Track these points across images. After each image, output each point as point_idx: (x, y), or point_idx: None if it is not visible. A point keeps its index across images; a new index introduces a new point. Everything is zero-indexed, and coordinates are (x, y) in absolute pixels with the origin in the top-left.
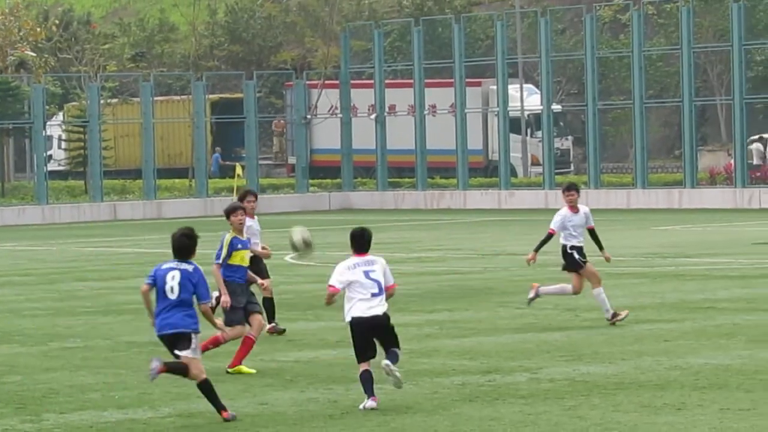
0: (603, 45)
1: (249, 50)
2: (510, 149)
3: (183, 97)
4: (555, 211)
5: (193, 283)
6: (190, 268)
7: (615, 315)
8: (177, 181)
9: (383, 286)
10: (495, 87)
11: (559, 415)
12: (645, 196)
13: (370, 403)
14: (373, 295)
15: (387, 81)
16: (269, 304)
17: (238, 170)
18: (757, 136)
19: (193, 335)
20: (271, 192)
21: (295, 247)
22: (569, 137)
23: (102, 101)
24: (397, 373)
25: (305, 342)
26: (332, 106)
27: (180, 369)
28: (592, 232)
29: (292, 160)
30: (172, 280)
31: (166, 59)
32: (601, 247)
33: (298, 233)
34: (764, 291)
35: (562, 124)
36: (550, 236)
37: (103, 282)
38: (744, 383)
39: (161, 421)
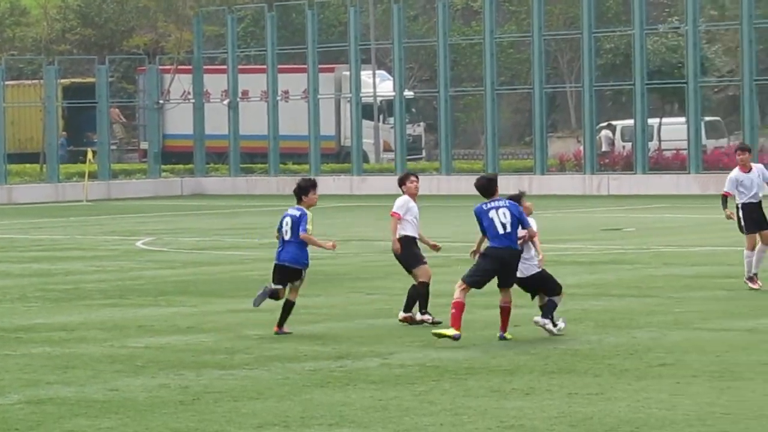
0: (455, 32)
1: (101, 34)
2: (362, 135)
3: (34, 81)
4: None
5: (297, 224)
6: (297, 213)
7: (753, 279)
8: (28, 166)
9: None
10: (348, 73)
11: (409, 401)
12: None
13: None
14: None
15: (240, 66)
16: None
17: (90, 155)
18: (605, 123)
19: (303, 270)
20: (123, 177)
21: None
22: (421, 123)
23: None
24: (549, 327)
25: (156, 328)
26: (185, 92)
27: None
28: None
29: (144, 145)
30: (287, 225)
31: (17, 43)
32: None
33: None
34: (612, 277)
35: (414, 110)
36: (725, 198)
37: None
38: (592, 368)
39: (10, 407)
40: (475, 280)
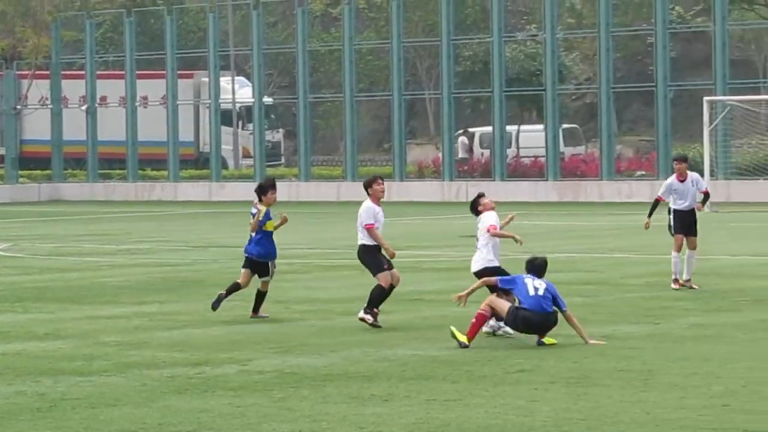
0: (314, 38)
1: None
2: (221, 141)
3: None
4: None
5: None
6: (254, 211)
7: (687, 282)
8: None
9: None
10: (207, 79)
11: (267, 407)
12: (355, 188)
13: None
14: None
15: (98, 72)
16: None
17: None
18: (462, 130)
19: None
20: None
21: None
22: (280, 130)
23: None
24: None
25: (13, 334)
26: (43, 97)
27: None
28: (705, 195)
29: (1, 150)
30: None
31: None
32: (703, 203)
33: None
34: (471, 283)
35: (273, 116)
36: (657, 202)
37: None
38: (450, 374)
39: None
40: (509, 323)
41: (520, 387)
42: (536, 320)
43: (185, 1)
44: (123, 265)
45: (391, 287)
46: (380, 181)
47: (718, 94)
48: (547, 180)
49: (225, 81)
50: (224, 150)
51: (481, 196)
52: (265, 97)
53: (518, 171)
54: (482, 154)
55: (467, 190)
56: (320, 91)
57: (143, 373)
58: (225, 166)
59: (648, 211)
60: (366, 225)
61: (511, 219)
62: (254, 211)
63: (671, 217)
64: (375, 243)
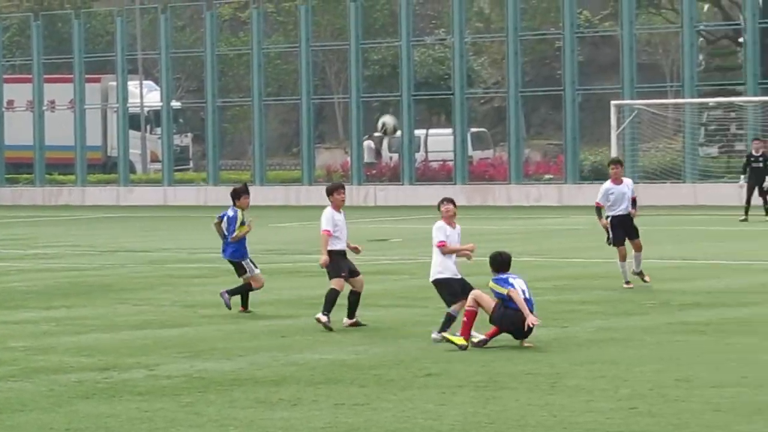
0: (223, 42)
1: None
2: (129, 146)
3: None
4: (175, 207)
5: (230, 223)
6: (231, 213)
7: (639, 275)
8: None
9: None
10: (115, 83)
11: (175, 412)
12: (263, 192)
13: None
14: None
15: (5, 76)
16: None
17: None
18: (367, 135)
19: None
20: None
21: (385, 129)
22: (189, 134)
23: None
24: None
25: None
26: None
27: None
28: (633, 201)
29: None
30: (224, 225)
31: None
32: (633, 207)
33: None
34: (378, 287)
35: (181, 120)
36: (598, 208)
37: None
38: (358, 378)
39: None
40: (495, 320)
41: (428, 391)
42: (520, 320)
43: (93, 5)
44: (30, 269)
45: (357, 294)
46: (341, 190)
47: (625, 98)
48: (455, 184)
49: (133, 85)
50: (132, 154)
51: (442, 202)
52: (174, 101)
53: (427, 175)
54: (391, 158)
55: (375, 194)
56: (229, 95)
57: (50, 378)
58: (133, 170)
59: (597, 216)
60: (323, 230)
61: (471, 249)
62: (231, 213)
63: (610, 228)
64: (336, 249)
